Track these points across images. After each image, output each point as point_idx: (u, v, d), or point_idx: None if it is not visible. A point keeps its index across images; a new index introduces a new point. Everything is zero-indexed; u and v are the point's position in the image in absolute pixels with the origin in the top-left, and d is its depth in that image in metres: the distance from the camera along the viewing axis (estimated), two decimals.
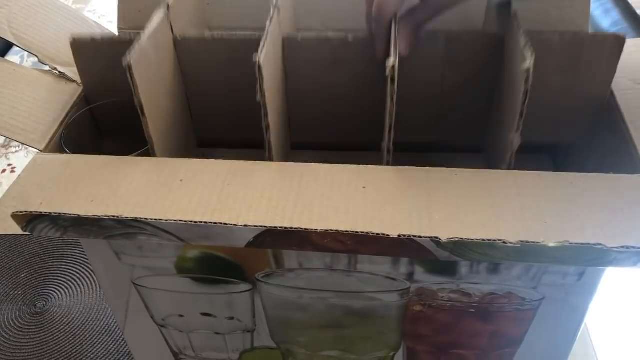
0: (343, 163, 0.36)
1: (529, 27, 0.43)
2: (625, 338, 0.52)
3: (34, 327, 0.56)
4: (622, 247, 0.29)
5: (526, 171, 0.35)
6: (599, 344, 0.51)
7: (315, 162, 0.36)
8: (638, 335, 0.52)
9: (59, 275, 0.60)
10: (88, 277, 0.59)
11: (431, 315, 0.39)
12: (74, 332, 0.55)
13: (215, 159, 0.37)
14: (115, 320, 0.55)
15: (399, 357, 0.43)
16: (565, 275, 0.35)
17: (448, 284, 0.37)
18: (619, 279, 0.56)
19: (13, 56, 0.93)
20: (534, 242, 0.30)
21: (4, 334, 0.55)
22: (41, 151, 0.41)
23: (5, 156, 0.75)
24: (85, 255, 0.55)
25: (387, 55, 0.37)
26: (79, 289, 0.58)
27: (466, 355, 0.42)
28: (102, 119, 0.49)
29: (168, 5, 0.46)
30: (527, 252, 0.30)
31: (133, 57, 0.37)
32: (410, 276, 0.36)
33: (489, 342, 0.40)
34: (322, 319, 0.40)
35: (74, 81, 0.47)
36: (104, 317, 0.56)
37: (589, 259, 0.30)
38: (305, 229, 0.31)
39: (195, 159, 0.37)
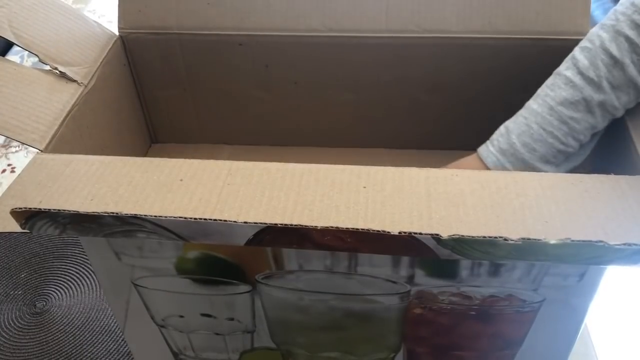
0: (342, 163, 0.36)
1: (529, 27, 0.43)
2: (625, 338, 0.52)
3: (34, 327, 0.55)
4: (624, 244, 0.29)
5: (526, 171, 0.35)
6: (599, 344, 0.51)
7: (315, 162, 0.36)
8: (638, 335, 0.52)
9: (59, 275, 0.60)
10: (88, 277, 0.59)
11: (431, 317, 0.39)
12: (74, 332, 0.55)
13: (216, 158, 0.37)
14: (115, 320, 0.55)
15: (399, 358, 0.43)
16: (566, 277, 0.35)
17: (448, 287, 0.36)
18: (619, 279, 0.56)
19: (13, 56, 0.93)
20: (535, 239, 0.30)
21: (4, 334, 0.55)
22: (41, 151, 0.41)
23: (5, 156, 0.74)
24: (85, 255, 0.55)
25: None
26: (79, 289, 0.58)
27: (466, 356, 0.42)
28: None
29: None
30: (528, 250, 0.30)
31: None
32: (410, 279, 0.36)
33: (489, 343, 0.40)
34: (322, 320, 0.40)
35: (74, 81, 0.47)
36: (104, 317, 0.56)
37: (591, 256, 0.30)
38: (306, 226, 0.31)
39: (195, 159, 0.37)
